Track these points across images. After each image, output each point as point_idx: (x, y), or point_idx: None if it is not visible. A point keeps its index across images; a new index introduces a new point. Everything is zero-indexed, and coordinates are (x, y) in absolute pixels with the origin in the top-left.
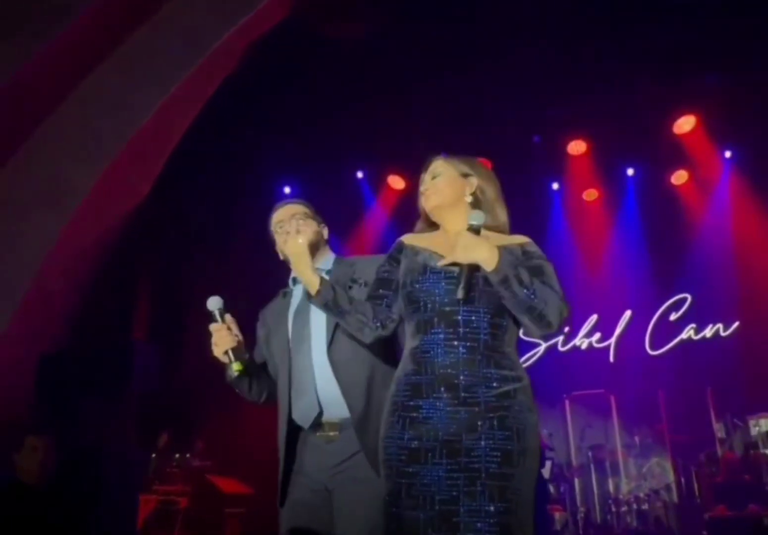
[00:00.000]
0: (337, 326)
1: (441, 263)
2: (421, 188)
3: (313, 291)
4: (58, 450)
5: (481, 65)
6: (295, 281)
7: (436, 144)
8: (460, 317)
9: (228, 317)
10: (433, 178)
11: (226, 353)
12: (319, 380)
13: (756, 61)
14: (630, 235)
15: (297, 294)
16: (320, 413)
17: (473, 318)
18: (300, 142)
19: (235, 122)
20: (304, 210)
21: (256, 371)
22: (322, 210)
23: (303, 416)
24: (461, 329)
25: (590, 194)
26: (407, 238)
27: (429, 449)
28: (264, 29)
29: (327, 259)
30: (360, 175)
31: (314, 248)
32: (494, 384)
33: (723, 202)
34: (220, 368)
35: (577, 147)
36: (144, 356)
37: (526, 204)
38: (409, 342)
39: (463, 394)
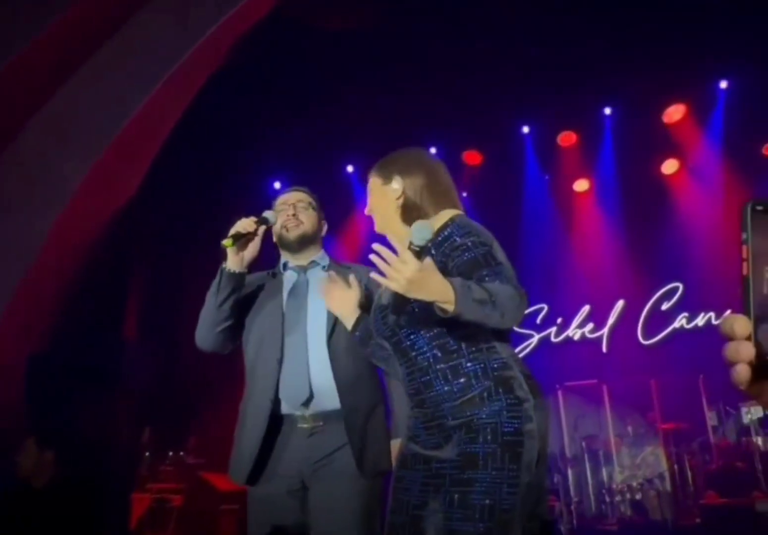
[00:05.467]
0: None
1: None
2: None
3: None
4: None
5: (474, 56)
6: (285, 266)
7: (428, 137)
8: (404, 344)
9: (263, 228)
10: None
11: (234, 235)
12: (313, 366)
13: None
14: (621, 225)
15: (289, 277)
16: (309, 399)
17: (414, 337)
18: (290, 137)
19: (224, 116)
20: (310, 200)
21: (240, 288)
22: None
23: (293, 396)
24: (411, 354)
25: (580, 185)
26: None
27: (413, 454)
28: (252, 21)
29: (322, 255)
30: (350, 169)
31: (310, 241)
32: (457, 395)
33: (712, 189)
34: (213, 364)
35: (567, 139)
36: (135, 354)
37: (517, 195)
38: None
39: (430, 410)
